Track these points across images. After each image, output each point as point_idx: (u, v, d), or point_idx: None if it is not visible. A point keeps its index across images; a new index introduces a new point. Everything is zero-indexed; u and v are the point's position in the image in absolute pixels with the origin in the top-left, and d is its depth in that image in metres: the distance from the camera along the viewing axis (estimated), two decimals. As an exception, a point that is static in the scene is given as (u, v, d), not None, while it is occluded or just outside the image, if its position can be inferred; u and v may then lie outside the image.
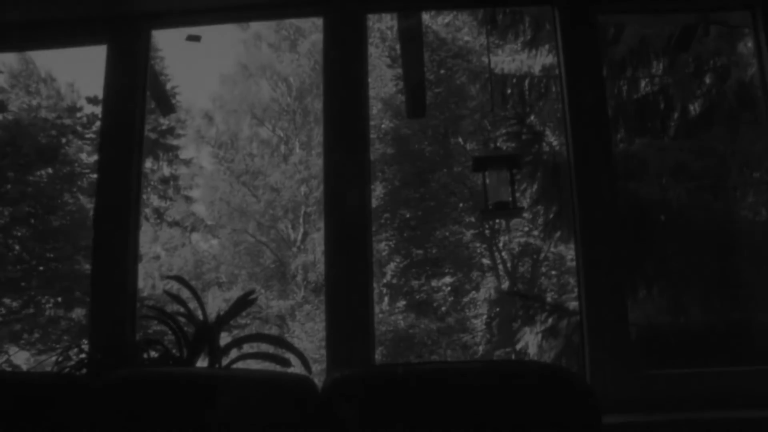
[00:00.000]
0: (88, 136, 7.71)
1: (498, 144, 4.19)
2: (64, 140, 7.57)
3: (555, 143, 5.55)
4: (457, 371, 1.58)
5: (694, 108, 4.93)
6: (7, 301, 7.37)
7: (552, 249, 8.81)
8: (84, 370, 1.94)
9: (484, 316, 9.08)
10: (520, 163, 2.24)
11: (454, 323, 9.04)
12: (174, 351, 1.93)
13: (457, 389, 1.57)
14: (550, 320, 4.50)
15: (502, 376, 1.59)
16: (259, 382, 1.61)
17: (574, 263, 2.19)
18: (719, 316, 3.96)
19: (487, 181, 2.20)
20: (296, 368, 1.89)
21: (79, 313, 7.66)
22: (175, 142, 11.78)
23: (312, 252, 11.00)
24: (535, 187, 4.61)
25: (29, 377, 1.77)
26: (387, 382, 1.55)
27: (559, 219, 4.70)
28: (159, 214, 11.91)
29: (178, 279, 2.08)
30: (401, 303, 9.44)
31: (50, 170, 7.77)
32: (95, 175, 8.27)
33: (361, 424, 1.48)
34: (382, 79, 9.97)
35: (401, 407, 1.55)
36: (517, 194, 2.43)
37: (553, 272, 8.90)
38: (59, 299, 7.54)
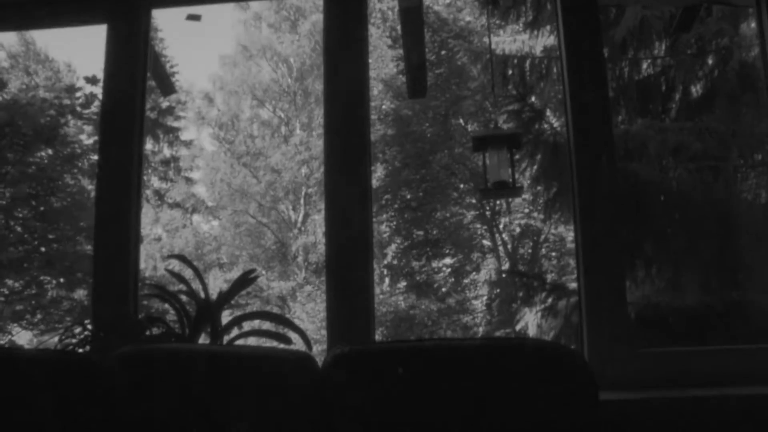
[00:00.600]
0: (86, 115, 7.69)
1: (498, 124, 4.19)
2: (63, 120, 7.56)
3: (556, 124, 5.55)
4: (457, 347, 1.60)
5: (696, 89, 4.92)
6: (9, 282, 7.41)
7: (552, 231, 8.83)
8: (87, 348, 1.96)
9: (485, 298, 9.12)
10: (519, 142, 2.24)
11: (454, 304, 9.09)
12: (176, 329, 1.95)
13: (456, 365, 1.59)
14: (549, 300, 4.53)
15: (502, 352, 1.61)
16: (260, 358, 1.63)
17: (574, 245, 2.20)
18: (717, 296, 3.99)
19: (487, 160, 2.21)
20: (297, 346, 1.91)
21: (81, 294, 7.71)
22: (175, 124, 11.76)
23: (313, 233, 11.02)
24: (535, 167, 4.61)
25: (34, 354, 1.79)
26: (387, 357, 1.57)
27: (558, 199, 4.71)
28: (160, 195, 11.92)
29: (181, 258, 2.09)
30: (402, 284, 9.48)
31: (50, 151, 7.76)
32: (95, 157, 8.28)
33: (362, 399, 1.50)
34: (383, 60, 9.93)
35: (401, 383, 1.57)
36: (517, 174, 2.43)
37: (554, 254, 8.93)
38: (61, 280, 7.58)
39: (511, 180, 2.17)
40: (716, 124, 4.55)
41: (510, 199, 9.00)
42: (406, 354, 1.59)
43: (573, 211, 2.16)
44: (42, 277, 7.48)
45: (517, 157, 2.57)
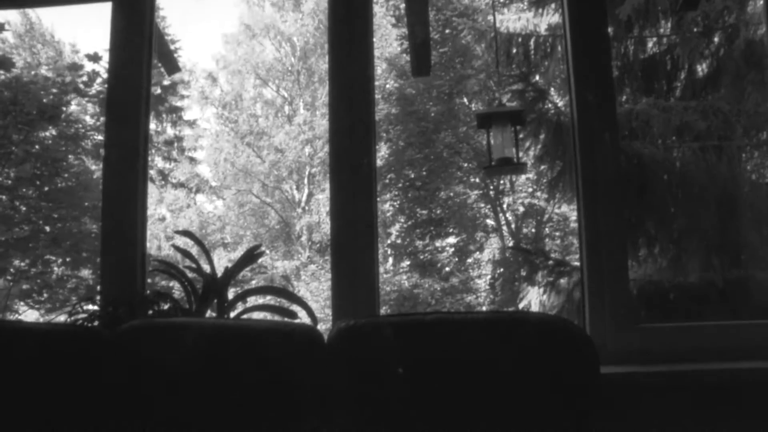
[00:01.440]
0: (90, 94, 7.68)
1: (502, 103, 4.18)
2: (66, 98, 7.56)
3: (560, 104, 5.53)
4: (460, 321, 1.63)
5: (702, 68, 4.89)
6: (15, 262, 7.46)
7: (556, 210, 8.84)
8: (96, 323, 1.99)
9: (488, 277, 9.16)
10: (523, 119, 2.24)
11: (457, 283, 9.13)
12: (183, 304, 1.98)
13: (460, 338, 1.62)
14: (552, 276, 4.55)
15: (504, 325, 1.63)
16: (266, 331, 1.66)
17: (577, 224, 2.22)
18: (719, 274, 4.01)
19: (491, 137, 2.22)
20: (302, 321, 1.94)
21: (86, 273, 7.76)
22: (178, 103, 11.74)
23: (317, 213, 11.05)
24: (539, 146, 4.61)
25: (44, 328, 1.82)
26: (392, 331, 1.60)
27: (562, 178, 4.72)
28: (164, 175, 11.94)
29: (188, 234, 2.12)
30: (405, 263, 9.53)
31: (54, 132, 7.78)
32: (99, 137, 8.28)
33: (367, 372, 1.53)
34: (387, 39, 9.88)
35: (405, 356, 1.60)
36: (521, 153, 2.44)
37: (557, 233, 8.94)
38: (67, 259, 7.63)
39: (515, 157, 2.19)
40: (721, 104, 4.53)
41: (514, 178, 9.01)
42: (410, 327, 1.61)
43: (576, 190, 2.17)
44: (47, 257, 7.53)
45: (521, 136, 2.58)
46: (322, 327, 1.86)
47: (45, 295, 7.61)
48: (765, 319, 2.29)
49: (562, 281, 4.66)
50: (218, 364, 1.64)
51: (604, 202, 2.09)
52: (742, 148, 4.56)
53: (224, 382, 1.64)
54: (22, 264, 7.45)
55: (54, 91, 7.43)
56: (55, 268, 7.67)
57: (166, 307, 1.97)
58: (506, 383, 1.61)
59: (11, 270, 7.43)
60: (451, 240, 9.54)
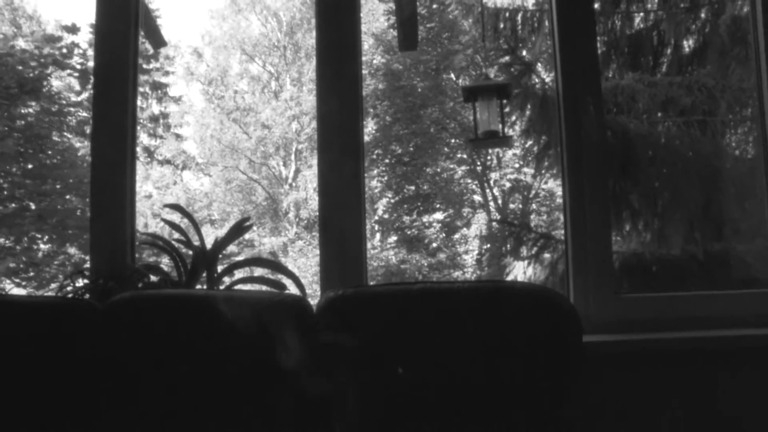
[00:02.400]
0: (69, 65, 7.59)
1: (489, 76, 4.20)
2: (46, 72, 7.47)
3: (547, 79, 5.54)
4: (446, 290, 1.66)
5: (688, 44, 4.92)
6: (0, 239, 7.42)
7: (543, 186, 8.89)
8: (86, 296, 2.01)
9: (475, 252, 9.22)
10: (509, 93, 2.26)
11: (444, 259, 9.18)
12: (173, 277, 2.00)
13: (445, 307, 1.65)
14: (536, 247, 4.61)
15: (489, 294, 1.67)
16: (256, 301, 1.68)
17: (562, 208, 2.25)
18: (700, 247, 4.07)
19: (477, 110, 2.23)
20: (291, 292, 1.96)
21: (72, 252, 7.73)
22: (164, 79, 11.62)
23: (304, 189, 11.04)
24: (525, 119, 4.64)
25: (36, 300, 1.83)
26: (379, 300, 1.63)
27: (547, 151, 4.75)
28: (149, 152, 11.84)
29: (176, 207, 2.13)
30: (392, 239, 9.56)
31: (37, 108, 7.69)
32: (83, 113, 8.21)
33: (354, 341, 1.56)
34: (374, 14, 9.81)
35: (392, 325, 1.63)
36: (507, 128, 2.46)
37: (543, 208, 9.01)
38: (53, 236, 7.60)
39: (500, 130, 2.21)
40: (706, 79, 4.56)
41: (501, 154, 9.04)
42: (397, 297, 1.64)
43: (560, 161, 2.20)
44: (33, 234, 7.49)
45: (507, 109, 2.59)
46: (311, 302, 1.89)
47: (31, 273, 7.58)
48: (744, 289, 2.35)
49: (547, 254, 4.72)
50: (209, 335, 1.67)
51: (588, 173, 2.12)
52: (726, 124, 4.60)
53: (215, 353, 1.66)
54: (8, 242, 7.41)
55: (33, 64, 7.34)
56: (42, 246, 7.64)
57: (155, 279, 1.99)
58: (490, 352, 1.65)
59: (-4, 247, 7.39)
60: (438, 216, 9.57)
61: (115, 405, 1.72)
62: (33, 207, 7.52)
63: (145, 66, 10.53)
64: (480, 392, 1.64)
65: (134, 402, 1.70)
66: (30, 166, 7.65)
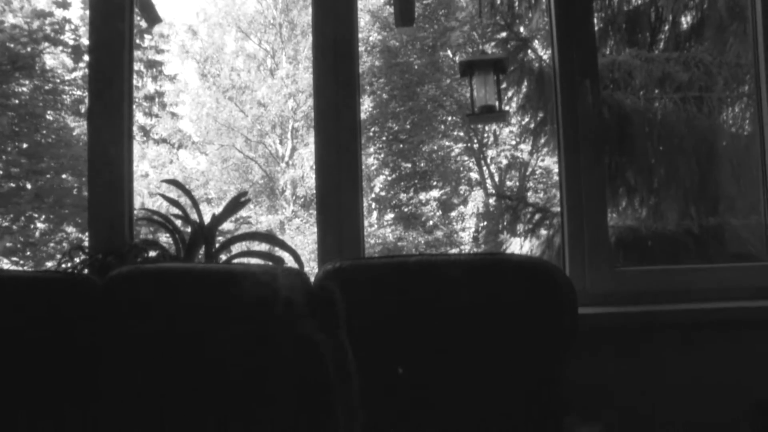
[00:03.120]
0: (62, 40, 7.54)
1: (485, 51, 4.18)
2: (38, 48, 7.42)
3: (544, 56, 5.52)
4: (443, 262, 1.67)
5: (686, 20, 4.90)
6: (-2, 219, 7.42)
7: (540, 163, 8.89)
8: (86, 271, 2.02)
9: (472, 230, 9.24)
10: (506, 68, 2.26)
11: (441, 236, 9.21)
12: (171, 252, 2.01)
13: (442, 279, 1.67)
14: (532, 223, 4.63)
15: (485, 267, 1.68)
16: (254, 274, 1.70)
17: (558, 183, 2.26)
18: (696, 222, 4.10)
19: (474, 85, 2.24)
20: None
21: (70, 230, 7.73)
22: (158, 58, 11.52)
23: (300, 167, 11.02)
24: (521, 95, 4.64)
25: (35, 276, 1.84)
26: (377, 272, 1.64)
27: (543, 126, 4.75)
28: (145, 131, 11.78)
29: (174, 182, 2.13)
30: (389, 216, 9.57)
31: (30, 86, 7.65)
32: (78, 92, 8.15)
33: (351, 312, 1.58)
34: (370, -10, 9.72)
35: (390, 296, 1.65)
36: (503, 104, 2.46)
37: (540, 185, 9.02)
38: (50, 216, 7.60)
39: (497, 105, 2.21)
40: (703, 55, 4.55)
41: (497, 131, 9.02)
42: (395, 269, 1.66)
43: (556, 134, 2.21)
44: (30, 213, 7.49)
45: (503, 86, 2.59)
46: (308, 275, 1.91)
47: (29, 252, 7.59)
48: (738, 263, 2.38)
49: (543, 231, 4.75)
50: (207, 307, 1.68)
51: (584, 148, 2.13)
52: (722, 100, 4.60)
53: (213, 325, 1.68)
54: (5, 221, 7.41)
55: (24, 40, 7.28)
56: (39, 225, 7.64)
57: (154, 254, 2.00)
58: (486, 323, 1.67)
59: (-6, 225, 7.39)
60: (435, 193, 9.57)
61: (114, 380, 1.74)
62: (29, 187, 7.51)
63: (138, 42, 10.43)
64: (475, 364, 1.66)
65: (133, 377, 1.72)
66: (25, 146, 7.62)
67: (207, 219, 1.93)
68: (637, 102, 4.38)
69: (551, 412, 1.64)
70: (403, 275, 1.63)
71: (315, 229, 2.10)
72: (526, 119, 5.13)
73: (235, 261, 2.01)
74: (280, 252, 2.02)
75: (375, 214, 9.61)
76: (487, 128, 9.15)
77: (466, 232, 9.28)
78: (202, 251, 2.00)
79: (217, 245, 1.95)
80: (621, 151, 4.23)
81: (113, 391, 1.72)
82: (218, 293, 1.65)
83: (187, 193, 2.00)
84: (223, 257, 2.03)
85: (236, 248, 2.12)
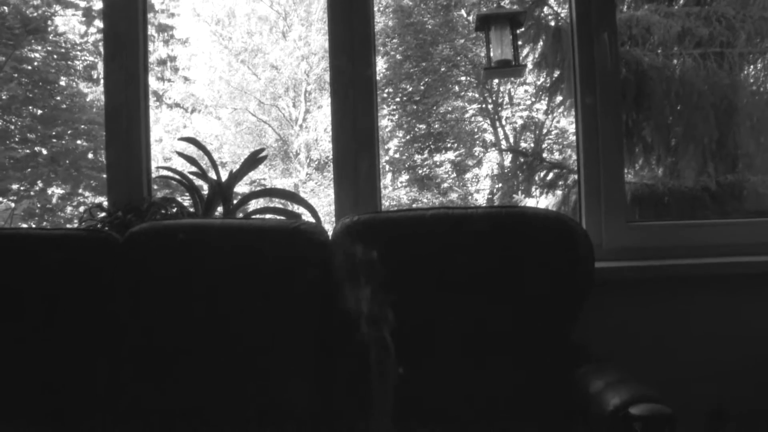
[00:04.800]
0: (72, 2, 7.50)
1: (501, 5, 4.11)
2: (50, 11, 7.39)
3: (561, 12, 5.42)
4: (458, 215, 1.68)
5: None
6: (14, 186, 7.48)
7: (556, 124, 8.78)
8: (106, 228, 2.05)
9: (486, 192, 9.20)
10: (522, 21, 2.23)
11: (456, 198, 9.18)
12: (189, 209, 2.03)
13: (458, 231, 1.68)
14: (549, 178, 4.60)
15: (502, 219, 1.69)
16: (273, 228, 1.72)
17: (575, 137, 2.25)
18: (713, 180, 4.05)
19: (490, 39, 2.21)
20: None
21: (86, 195, 7.79)
22: (169, 21, 11.43)
23: (314, 130, 10.97)
24: (537, 53, 4.56)
25: (57, 233, 1.88)
26: (394, 225, 1.66)
27: (559, 84, 4.69)
28: (158, 96, 11.76)
29: (191, 140, 2.14)
30: (404, 178, 9.54)
31: (43, 52, 7.64)
32: (91, 58, 8.13)
33: (369, 265, 1.60)
34: (384, -52, 9.53)
35: (408, 248, 1.66)
36: (520, 60, 2.43)
37: (556, 146, 8.92)
38: (67, 180, 7.65)
39: (513, 59, 2.19)
40: (725, 9, 4.44)
41: (512, 91, 8.91)
42: (412, 222, 1.67)
43: (574, 92, 2.19)
44: (46, 177, 7.55)
45: (519, 42, 2.56)
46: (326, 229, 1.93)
47: (47, 218, 7.67)
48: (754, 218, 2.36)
49: (559, 192, 4.72)
50: (227, 261, 1.71)
51: (601, 103, 2.11)
52: (744, 56, 4.50)
53: (233, 278, 1.71)
54: (21, 187, 7.48)
55: (35, 2, 7.26)
56: (56, 190, 7.70)
57: (173, 211, 2.02)
58: (503, 274, 1.68)
59: (11, 193, 7.47)
60: (450, 155, 9.51)
61: (135, 333, 1.78)
62: (45, 152, 7.56)
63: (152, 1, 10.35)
64: (493, 314, 1.68)
65: (152, 329, 1.76)
66: (39, 112, 7.65)
67: (224, 177, 1.94)
68: (656, 59, 4.30)
69: (566, 361, 1.66)
70: (420, 228, 1.64)
71: (329, 192, 2.10)
72: (542, 78, 5.06)
73: (253, 217, 2.03)
74: (297, 208, 2.04)
75: (389, 176, 9.57)
76: (501, 89, 9.04)
77: (480, 194, 9.23)
78: (220, 208, 2.02)
79: (234, 202, 1.97)
80: (638, 108, 4.17)
81: (135, 340, 1.76)
82: (237, 246, 1.68)
83: (204, 150, 2.01)
84: (241, 215, 2.05)
85: (253, 206, 2.14)
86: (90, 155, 7.75)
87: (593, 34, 2.12)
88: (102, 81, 2.19)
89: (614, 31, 2.15)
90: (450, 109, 9.23)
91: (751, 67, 4.63)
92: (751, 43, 4.50)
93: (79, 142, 7.87)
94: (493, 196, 8.86)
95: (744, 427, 1.89)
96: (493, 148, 9.28)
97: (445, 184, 9.28)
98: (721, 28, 4.33)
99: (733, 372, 1.92)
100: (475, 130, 9.37)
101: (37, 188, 7.62)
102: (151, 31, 10.97)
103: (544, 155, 8.83)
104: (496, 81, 8.24)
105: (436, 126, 9.20)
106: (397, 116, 9.23)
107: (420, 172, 9.24)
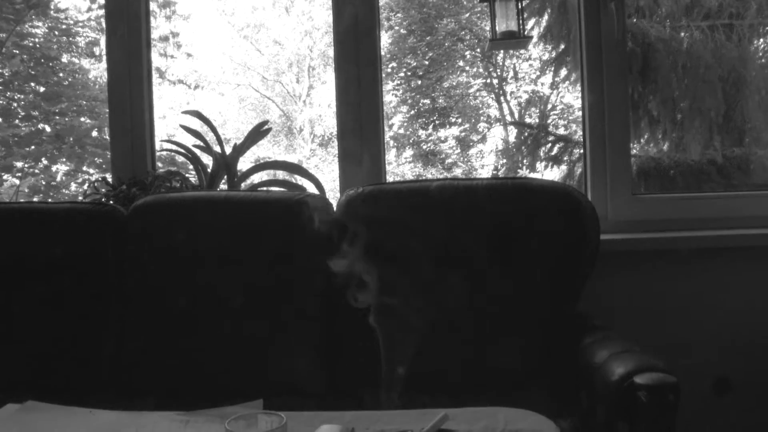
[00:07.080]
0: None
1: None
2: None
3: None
4: (464, 186, 1.68)
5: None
6: (18, 164, 7.48)
7: (561, 99, 8.71)
8: (111, 201, 2.05)
9: (491, 167, 9.16)
10: (528, -8, 2.21)
11: (460, 173, 9.14)
12: (194, 182, 2.03)
13: (464, 202, 1.67)
14: (554, 150, 4.57)
15: (507, 189, 1.68)
16: (278, 200, 1.71)
17: (581, 113, 2.23)
18: (719, 153, 4.02)
19: (495, 11, 2.19)
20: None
21: (91, 172, 7.79)
22: (172, -3, 11.34)
23: (318, 105, 10.92)
24: (542, 26, 4.51)
25: (62, 207, 1.88)
26: (400, 196, 1.65)
27: (565, 57, 4.64)
28: (161, 72, 11.71)
29: (195, 113, 2.14)
30: (408, 153, 9.50)
31: (45, 28, 7.60)
32: (93, 35, 8.09)
33: (372, 235, 1.60)
34: None
35: (413, 219, 1.66)
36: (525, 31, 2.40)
37: (561, 121, 8.86)
38: (71, 157, 7.65)
39: (519, 30, 2.17)
40: (736, -21, 4.37)
41: (517, 65, 8.83)
42: (417, 193, 1.66)
43: (580, 64, 2.17)
44: (50, 154, 7.55)
45: (525, 15, 2.53)
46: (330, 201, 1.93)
47: (51, 194, 7.68)
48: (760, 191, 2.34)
49: (564, 166, 4.70)
50: (231, 233, 1.71)
51: (608, 75, 2.10)
52: (754, 28, 4.44)
53: (237, 250, 1.71)
54: (26, 165, 7.48)
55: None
56: (60, 167, 7.71)
57: (177, 185, 2.03)
58: (508, 245, 1.68)
59: (18, 165, 7.47)
60: (455, 131, 9.46)
61: (140, 305, 1.79)
62: (48, 129, 7.55)
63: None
64: (498, 285, 1.68)
65: (157, 301, 1.77)
66: (42, 89, 7.63)
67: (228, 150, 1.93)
68: (663, 31, 4.24)
69: (571, 331, 1.67)
70: (425, 199, 1.64)
71: (333, 167, 2.10)
72: (548, 53, 5.00)
73: (258, 190, 2.03)
74: (301, 181, 2.04)
75: (394, 151, 9.53)
76: (507, 63, 8.96)
77: (485, 170, 9.19)
78: (224, 182, 2.02)
79: (238, 174, 1.97)
80: (644, 81, 4.13)
81: (139, 311, 1.77)
82: (242, 218, 1.68)
83: (208, 123, 2.00)
84: (244, 187, 2.04)
85: (258, 179, 2.13)
86: (94, 133, 7.74)
87: (600, 3, 2.09)
88: (104, 57, 2.17)
89: (622, 4, 2.13)
90: (455, 84, 9.16)
91: (761, 39, 4.56)
92: (762, 15, 4.43)
93: (83, 119, 7.86)
94: (497, 171, 8.83)
95: (747, 397, 1.91)
96: (498, 123, 9.22)
97: (450, 160, 9.24)
98: (731, -1, 4.27)
99: (737, 343, 1.93)
100: (480, 105, 9.31)
101: (42, 165, 7.63)
102: (153, 6, 10.90)
103: (549, 130, 8.78)
104: (500, 56, 8.17)
105: (441, 101, 9.14)
106: (401, 91, 9.17)
107: (424, 147, 9.20)
